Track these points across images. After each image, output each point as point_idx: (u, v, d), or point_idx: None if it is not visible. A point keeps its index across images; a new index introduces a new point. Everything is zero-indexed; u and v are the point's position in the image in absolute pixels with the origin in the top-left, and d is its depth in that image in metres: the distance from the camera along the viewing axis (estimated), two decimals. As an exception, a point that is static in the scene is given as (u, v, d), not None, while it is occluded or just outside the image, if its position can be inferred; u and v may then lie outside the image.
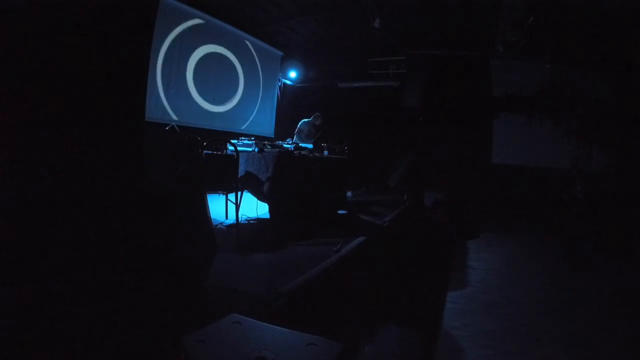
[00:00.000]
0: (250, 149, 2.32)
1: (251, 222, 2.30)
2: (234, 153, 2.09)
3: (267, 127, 4.56)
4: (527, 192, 3.70)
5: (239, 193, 2.09)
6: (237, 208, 2.02)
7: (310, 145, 2.71)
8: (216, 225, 2.02)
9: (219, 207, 2.27)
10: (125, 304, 0.64)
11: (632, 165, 3.28)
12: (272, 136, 4.44)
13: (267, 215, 2.30)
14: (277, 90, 4.71)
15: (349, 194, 3.33)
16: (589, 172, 3.53)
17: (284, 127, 4.29)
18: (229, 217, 2.22)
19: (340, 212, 2.71)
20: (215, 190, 2.14)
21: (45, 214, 0.52)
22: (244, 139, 2.49)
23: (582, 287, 2.03)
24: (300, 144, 2.62)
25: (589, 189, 3.39)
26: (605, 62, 3.41)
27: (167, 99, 3.12)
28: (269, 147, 2.36)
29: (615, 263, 2.45)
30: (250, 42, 4.05)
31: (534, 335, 1.44)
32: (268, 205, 2.29)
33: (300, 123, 3.26)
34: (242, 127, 4.01)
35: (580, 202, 3.35)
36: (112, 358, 0.54)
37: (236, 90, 3.91)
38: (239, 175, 2.17)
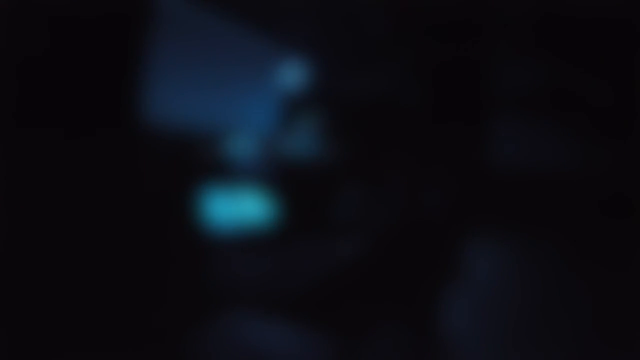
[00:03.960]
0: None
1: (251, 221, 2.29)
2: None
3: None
4: (528, 192, 3.69)
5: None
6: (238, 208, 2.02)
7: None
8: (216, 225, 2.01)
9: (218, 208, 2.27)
10: (124, 304, 0.63)
11: (632, 166, 3.27)
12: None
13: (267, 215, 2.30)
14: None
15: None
16: (589, 172, 3.52)
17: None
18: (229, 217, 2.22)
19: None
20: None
21: (42, 214, 0.51)
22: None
23: (583, 287, 2.03)
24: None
25: (589, 189, 3.38)
26: (605, 62, 3.40)
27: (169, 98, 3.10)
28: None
29: (616, 264, 2.45)
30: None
31: (534, 336, 1.44)
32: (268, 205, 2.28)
33: None
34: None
35: (581, 203, 3.34)
36: (110, 357, 0.54)
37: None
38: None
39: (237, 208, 0.34)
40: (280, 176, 0.31)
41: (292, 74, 0.30)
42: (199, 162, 0.31)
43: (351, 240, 0.32)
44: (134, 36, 0.28)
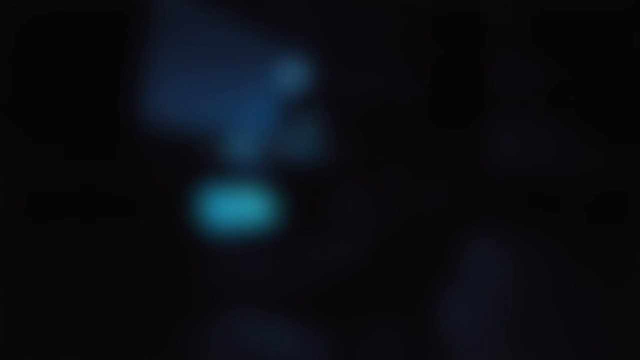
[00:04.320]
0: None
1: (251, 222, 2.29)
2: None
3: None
4: (528, 191, 3.68)
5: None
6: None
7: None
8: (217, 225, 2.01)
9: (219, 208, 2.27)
10: (123, 304, 0.63)
11: (632, 166, 3.26)
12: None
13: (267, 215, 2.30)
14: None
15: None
16: (590, 172, 3.51)
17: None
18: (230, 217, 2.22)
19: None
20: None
21: (40, 214, 0.51)
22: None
23: (583, 287, 2.03)
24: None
25: (590, 189, 3.37)
26: (605, 62, 3.39)
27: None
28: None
29: (616, 264, 2.44)
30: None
31: (533, 336, 1.44)
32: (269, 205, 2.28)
33: None
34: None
35: (581, 203, 3.33)
36: (108, 357, 0.54)
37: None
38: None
39: (237, 208, 0.34)
40: (280, 176, 0.31)
41: (292, 74, 0.30)
42: (198, 162, 0.31)
43: (351, 240, 0.32)
44: (134, 36, 0.28)
